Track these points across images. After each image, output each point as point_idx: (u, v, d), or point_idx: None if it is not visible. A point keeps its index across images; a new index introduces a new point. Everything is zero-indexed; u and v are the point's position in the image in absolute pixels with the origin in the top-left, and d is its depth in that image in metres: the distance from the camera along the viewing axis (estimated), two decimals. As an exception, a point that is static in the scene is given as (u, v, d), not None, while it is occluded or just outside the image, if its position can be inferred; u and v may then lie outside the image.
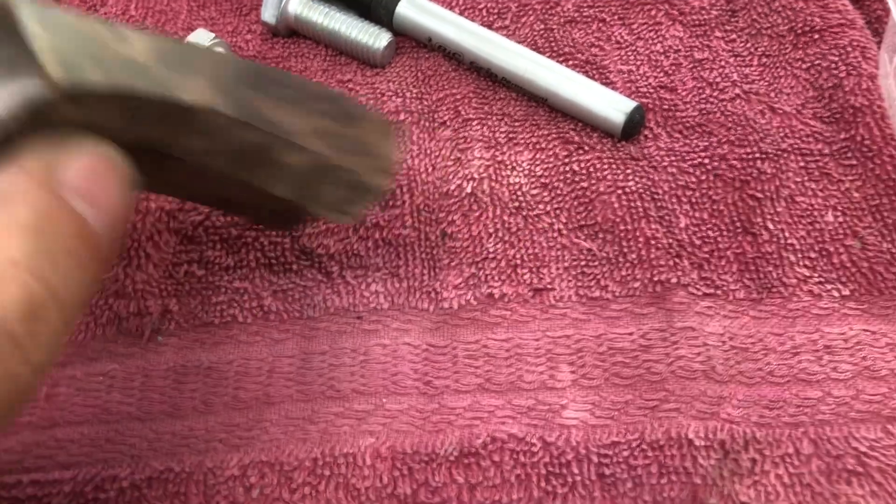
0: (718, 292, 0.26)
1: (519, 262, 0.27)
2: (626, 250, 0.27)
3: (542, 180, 0.29)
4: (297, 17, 0.32)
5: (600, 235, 0.27)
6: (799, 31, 0.32)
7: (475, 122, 0.30)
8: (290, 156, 0.21)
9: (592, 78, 0.31)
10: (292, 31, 0.33)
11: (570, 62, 0.32)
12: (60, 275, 0.16)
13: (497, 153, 0.29)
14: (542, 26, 0.33)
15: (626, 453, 0.23)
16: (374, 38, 0.31)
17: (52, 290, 0.16)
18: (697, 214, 0.27)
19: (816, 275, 0.26)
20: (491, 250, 0.27)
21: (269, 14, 0.32)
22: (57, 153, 0.16)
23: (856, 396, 0.24)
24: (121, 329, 0.26)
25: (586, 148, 0.29)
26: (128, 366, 0.25)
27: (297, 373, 0.25)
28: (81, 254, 0.16)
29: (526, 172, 0.29)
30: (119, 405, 0.24)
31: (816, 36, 0.31)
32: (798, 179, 0.28)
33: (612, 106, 0.29)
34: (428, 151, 0.30)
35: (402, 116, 0.30)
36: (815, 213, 0.27)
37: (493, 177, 0.29)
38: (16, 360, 0.15)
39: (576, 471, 0.22)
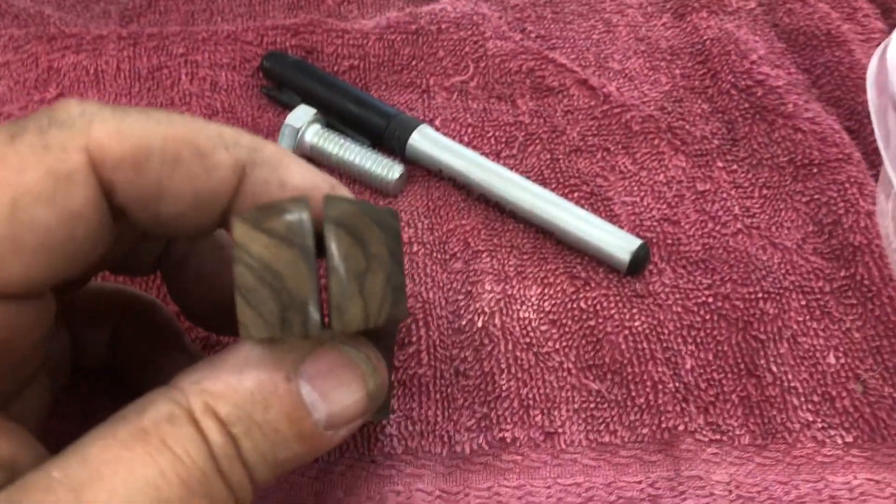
0: (724, 438, 0.26)
1: (531, 402, 0.27)
2: (633, 394, 0.27)
3: (551, 316, 0.29)
4: (313, 147, 0.33)
5: (608, 377, 0.28)
6: (798, 164, 0.33)
7: (485, 255, 0.31)
8: None
9: (597, 209, 0.32)
10: (308, 160, 0.34)
11: (576, 193, 0.33)
12: (253, 443, 0.18)
13: (507, 287, 0.30)
14: (549, 156, 0.34)
15: None
16: (388, 169, 0.33)
17: (241, 455, 0.18)
18: (703, 355, 0.28)
19: (820, 420, 0.27)
20: (504, 388, 0.28)
21: (285, 144, 0.34)
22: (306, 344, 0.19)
23: (862, 551, 0.24)
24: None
25: (593, 284, 0.30)
26: None
27: (313, 519, 0.25)
28: (288, 436, 0.18)
29: (535, 308, 0.30)
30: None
31: (815, 169, 0.33)
32: (800, 319, 0.29)
33: (618, 244, 0.30)
34: (440, 284, 0.30)
35: (415, 248, 0.31)
36: (818, 354, 0.28)
37: (504, 311, 0.29)
38: None
39: None
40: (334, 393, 0.19)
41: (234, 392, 0.18)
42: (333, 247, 0.18)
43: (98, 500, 0.16)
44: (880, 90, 0.27)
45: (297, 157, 0.21)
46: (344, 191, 0.22)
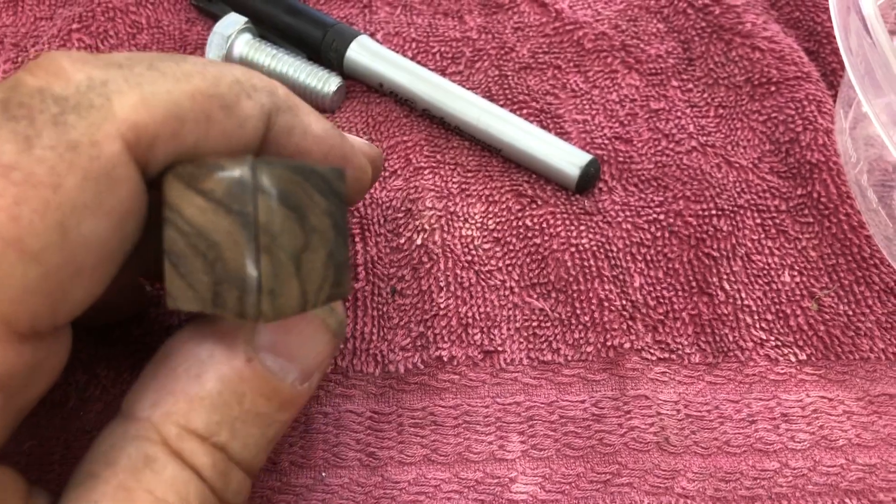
0: (673, 356, 0.25)
1: (470, 320, 0.26)
2: (578, 312, 0.26)
3: (495, 234, 0.28)
4: (243, 59, 0.31)
5: (553, 295, 0.26)
6: (756, 83, 0.32)
7: (427, 171, 0.29)
8: None
9: (547, 127, 0.30)
10: (238, 73, 0.32)
11: (525, 110, 0.31)
12: (242, 441, 0.16)
13: (449, 204, 0.28)
14: (497, 72, 0.32)
15: (576, 532, 0.22)
16: (324, 82, 0.30)
17: (234, 458, 0.16)
18: (652, 273, 0.27)
19: (773, 338, 0.25)
20: (442, 306, 0.26)
21: (213, 55, 0.31)
22: None
23: (813, 468, 0.23)
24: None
25: (539, 202, 0.28)
26: (48, 437, 0.23)
27: (233, 442, 0.23)
28: (270, 413, 0.17)
29: (478, 225, 0.28)
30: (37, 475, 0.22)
31: (773, 88, 0.31)
32: (754, 237, 0.28)
33: (567, 159, 0.28)
34: (379, 202, 0.28)
35: (350, 165, 0.29)
36: (772, 272, 0.27)
37: (445, 228, 0.28)
38: None
39: (524, 551, 0.21)
40: (300, 351, 0.17)
41: (201, 401, 0.16)
42: (267, 221, 0.15)
43: None
44: (842, -7, 0.26)
45: (299, 98, 0.19)
46: (356, 141, 0.20)
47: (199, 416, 0.16)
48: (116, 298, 0.23)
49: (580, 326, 0.25)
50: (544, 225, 0.28)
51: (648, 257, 0.27)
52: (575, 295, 0.26)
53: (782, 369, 0.25)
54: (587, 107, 0.31)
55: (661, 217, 0.28)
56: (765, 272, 0.27)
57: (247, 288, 0.15)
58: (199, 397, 0.16)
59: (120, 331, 0.25)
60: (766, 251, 0.27)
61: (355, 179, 0.21)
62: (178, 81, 0.15)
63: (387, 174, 0.29)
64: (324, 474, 0.23)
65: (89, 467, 0.16)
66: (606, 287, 0.26)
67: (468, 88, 0.31)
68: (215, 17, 0.33)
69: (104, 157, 0.14)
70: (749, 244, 0.27)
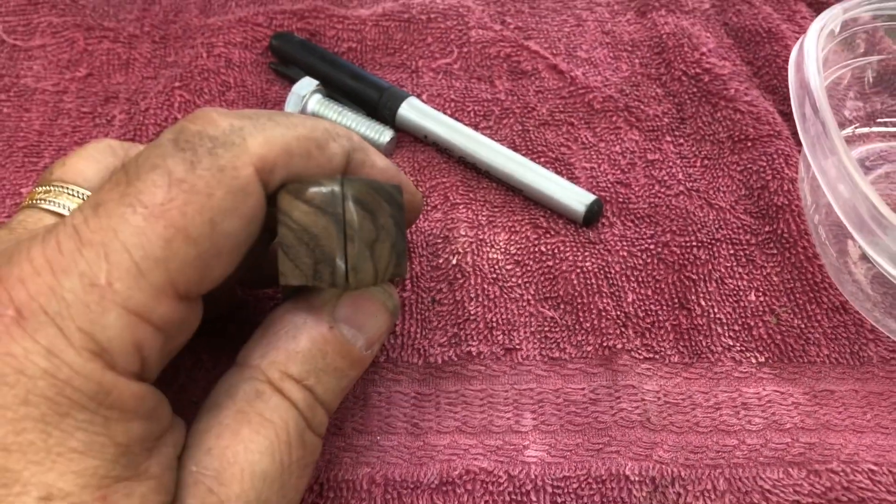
0: (657, 357, 0.31)
1: (495, 324, 0.32)
2: (581, 320, 0.32)
3: (516, 258, 0.34)
4: (315, 114, 0.38)
5: (561, 306, 0.33)
6: (736, 139, 0.38)
7: (461, 206, 0.36)
8: None
9: (560, 173, 0.37)
10: (310, 125, 0.39)
11: (543, 159, 0.38)
12: (324, 386, 0.23)
13: (479, 233, 0.35)
14: (520, 127, 0.39)
15: (575, 485, 0.28)
16: (379, 133, 0.38)
17: (318, 398, 0.23)
18: (642, 291, 0.33)
19: (738, 344, 0.32)
20: (472, 313, 0.32)
21: (290, 110, 0.38)
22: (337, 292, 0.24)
23: (764, 444, 0.29)
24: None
25: (552, 232, 0.35)
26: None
27: (307, 413, 0.30)
28: (344, 368, 0.23)
29: (503, 250, 0.34)
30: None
31: (750, 143, 0.38)
32: (728, 264, 0.34)
33: (576, 199, 0.35)
34: (422, 230, 0.35)
35: (400, 200, 0.36)
36: (741, 293, 0.33)
37: (476, 252, 0.34)
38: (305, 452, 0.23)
39: (534, 499, 0.27)
40: (367, 324, 0.24)
41: (296, 354, 0.23)
42: (351, 219, 0.22)
43: (235, 478, 0.21)
44: (798, 76, 0.32)
45: (367, 142, 0.26)
46: (403, 176, 0.28)
47: (294, 364, 0.22)
48: (220, 293, 0.30)
49: (582, 331, 0.32)
50: (556, 251, 0.34)
51: (640, 278, 0.33)
52: (579, 307, 0.32)
53: (745, 369, 0.31)
54: (594, 157, 0.38)
55: (652, 247, 0.34)
56: (735, 292, 0.33)
57: (337, 266, 0.22)
58: (295, 351, 0.23)
59: (219, 326, 0.32)
60: (737, 276, 0.34)
61: (407, 201, 0.28)
62: (288, 128, 0.22)
63: (429, 208, 0.36)
64: (378, 438, 0.29)
65: (214, 399, 0.22)
66: (605, 301, 0.33)
67: (496, 140, 0.38)
68: (291, 80, 0.41)
69: (241, 177, 0.20)
70: (723, 270, 0.34)
